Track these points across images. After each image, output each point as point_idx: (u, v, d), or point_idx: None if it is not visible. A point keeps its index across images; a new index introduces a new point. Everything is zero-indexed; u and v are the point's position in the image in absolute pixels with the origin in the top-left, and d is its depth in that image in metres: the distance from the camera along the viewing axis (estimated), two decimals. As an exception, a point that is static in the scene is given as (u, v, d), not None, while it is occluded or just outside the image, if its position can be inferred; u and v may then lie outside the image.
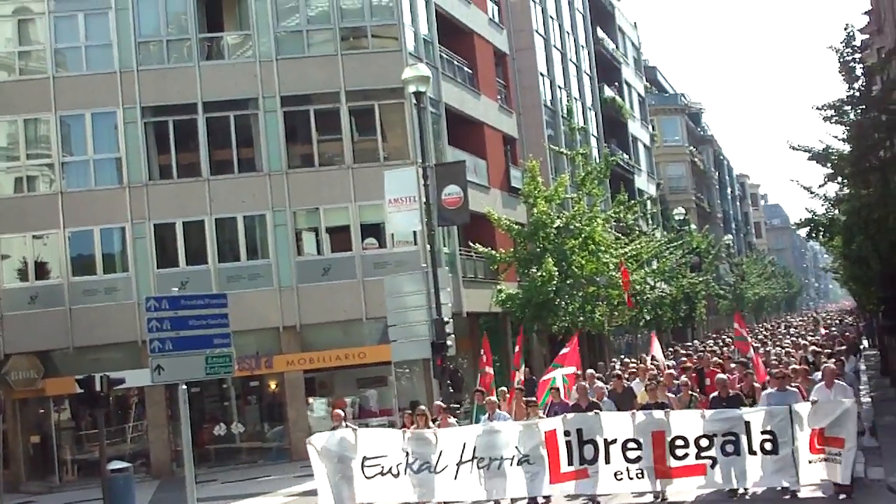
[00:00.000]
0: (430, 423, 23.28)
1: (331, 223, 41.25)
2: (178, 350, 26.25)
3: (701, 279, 71.42)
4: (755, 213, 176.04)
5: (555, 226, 43.56)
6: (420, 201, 31.36)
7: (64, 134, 40.99)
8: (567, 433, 21.63)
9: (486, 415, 23.75)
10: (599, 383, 26.73)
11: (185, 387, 26.96)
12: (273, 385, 41.24)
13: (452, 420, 24.21)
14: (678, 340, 67.42)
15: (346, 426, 23.61)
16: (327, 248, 41.09)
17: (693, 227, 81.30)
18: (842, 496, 20.05)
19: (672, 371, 27.24)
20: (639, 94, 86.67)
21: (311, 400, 40.49)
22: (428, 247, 30.95)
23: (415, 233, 38.43)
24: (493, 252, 44.07)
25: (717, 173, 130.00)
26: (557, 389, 25.86)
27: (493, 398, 24.62)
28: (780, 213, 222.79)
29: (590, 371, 28.63)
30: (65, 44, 41.36)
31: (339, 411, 24.67)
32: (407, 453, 22.55)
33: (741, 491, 21.17)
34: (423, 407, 24.52)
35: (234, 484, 33.93)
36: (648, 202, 69.72)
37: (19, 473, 40.08)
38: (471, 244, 43.94)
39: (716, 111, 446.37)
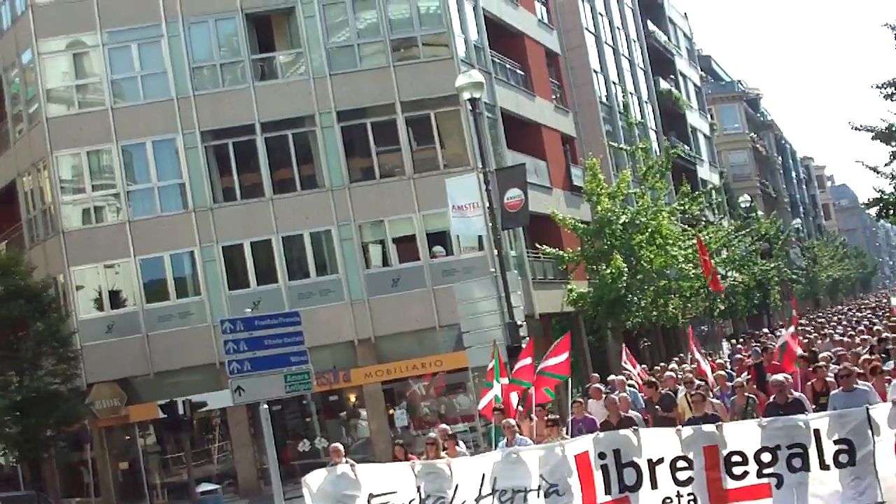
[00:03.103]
0: (441, 454, 20.21)
1: (396, 234, 41.42)
2: (257, 370, 26.57)
3: (772, 265, 70.84)
4: (822, 196, 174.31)
5: (620, 222, 43.51)
6: (483, 206, 31.37)
7: (127, 163, 41.51)
8: (602, 455, 18.08)
9: (505, 439, 20.44)
10: (625, 392, 23.74)
11: (266, 406, 27.26)
12: (352, 398, 41.49)
13: (461, 448, 21.24)
14: (754, 328, 66.92)
15: (346, 462, 20.59)
16: (395, 259, 41.24)
17: (760, 213, 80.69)
18: None
19: (723, 372, 24.80)
20: (694, 84, 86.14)
21: (392, 411, 40.68)
22: (495, 251, 30.99)
23: (480, 238, 38.47)
24: (561, 252, 44.03)
25: (780, 158, 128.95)
26: (580, 402, 22.52)
27: (512, 421, 20.89)
28: (847, 193, 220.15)
29: (619, 378, 26.66)
30: (120, 74, 41.85)
31: (339, 446, 21.81)
32: (419, 488, 19.31)
33: None
34: (433, 435, 21.26)
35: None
36: (713, 192, 69.31)
37: (111, 500, 40.61)
38: (538, 245, 43.94)
39: (774, 96, 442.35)
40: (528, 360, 24.93)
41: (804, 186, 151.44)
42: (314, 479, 20.22)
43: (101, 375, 39.83)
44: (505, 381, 24.35)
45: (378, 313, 40.16)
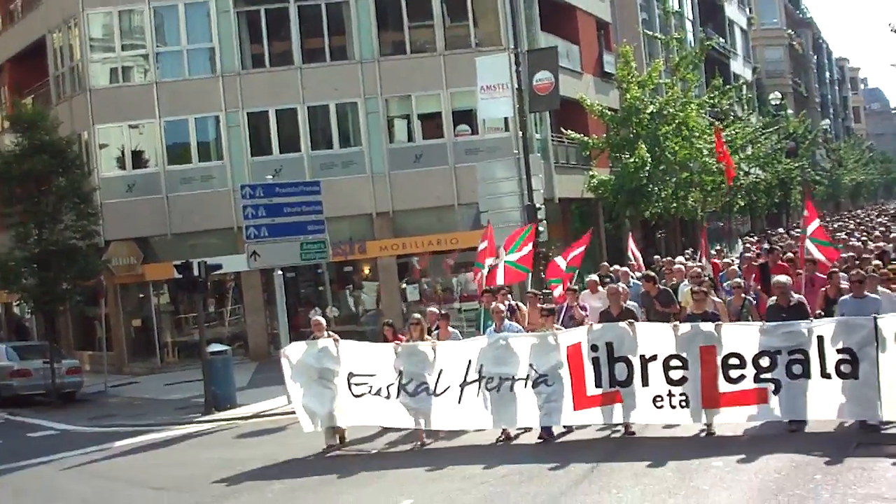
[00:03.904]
0: (427, 335, 19.79)
1: (422, 110, 41.33)
2: (274, 236, 26.88)
3: (797, 165, 70.39)
4: (854, 98, 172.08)
5: (648, 111, 43.23)
6: (512, 87, 31.21)
7: (157, 24, 41.26)
8: (594, 348, 17.72)
9: (493, 325, 19.63)
10: (625, 284, 22.41)
11: (280, 272, 27.53)
12: (366, 270, 41.76)
13: (454, 330, 20.35)
14: (773, 227, 66.80)
15: (328, 335, 20.15)
16: (419, 135, 41.22)
17: (789, 111, 79.92)
18: None
19: (735, 268, 24.01)
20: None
21: (404, 284, 40.98)
22: (520, 133, 30.94)
23: (506, 119, 38.33)
24: (586, 138, 43.85)
25: (815, 57, 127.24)
26: (574, 290, 21.77)
27: (501, 306, 20.06)
28: (880, 97, 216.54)
29: (623, 269, 25.32)
30: (154, -65, 41.40)
31: (320, 319, 20.96)
32: (401, 371, 19.07)
33: (803, 422, 16.82)
34: (417, 315, 20.45)
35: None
36: (744, 87, 68.62)
37: (122, 355, 41.36)
38: (563, 130, 43.75)
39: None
40: (529, 248, 24.55)
41: (837, 87, 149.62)
42: (294, 351, 20.13)
43: (119, 233, 40.23)
44: (491, 261, 24.09)
45: (398, 188, 40.22)
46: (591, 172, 45.19)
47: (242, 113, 40.53)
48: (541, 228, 28.73)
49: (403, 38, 41.44)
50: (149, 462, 22.19)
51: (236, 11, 40.78)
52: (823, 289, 19.55)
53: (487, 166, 31.06)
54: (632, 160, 41.81)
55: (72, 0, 41.41)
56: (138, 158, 41.51)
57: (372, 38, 40.86)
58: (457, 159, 40.08)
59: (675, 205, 44.94)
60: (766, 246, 33.24)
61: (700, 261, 28.08)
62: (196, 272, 28.80)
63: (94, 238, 36.93)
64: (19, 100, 42.32)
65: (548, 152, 42.77)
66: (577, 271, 24.77)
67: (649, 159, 41.64)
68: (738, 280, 20.90)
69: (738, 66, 78.25)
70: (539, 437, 18.36)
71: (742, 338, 16.96)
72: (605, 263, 30.00)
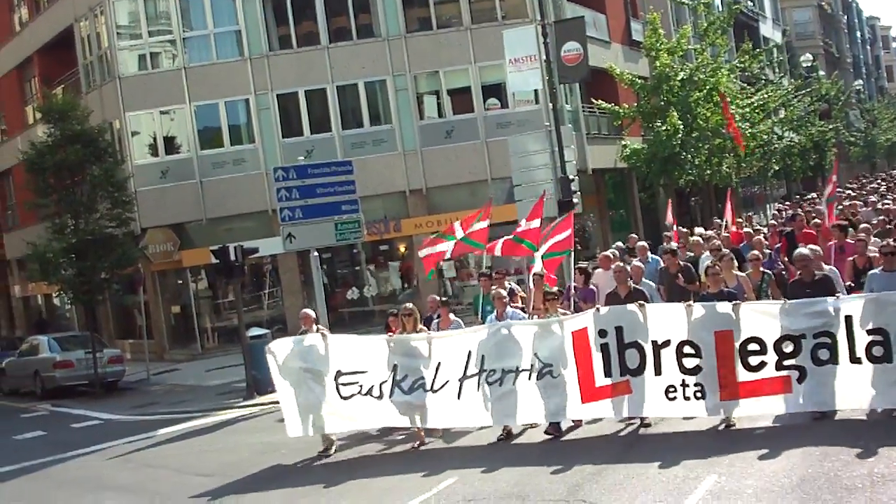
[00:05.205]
0: (421, 326, 18.45)
1: (451, 85, 41.21)
2: (308, 218, 26.97)
3: (830, 127, 69.78)
4: (886, 56, 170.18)
5: (678, 78, 42.92)
6: (540, 59, 31.04)
7: (183, 9, 41.27)
8: (602, 333, 16.23)
9: (494, 311, 18.38)
10: (639, 260, 20.97)
11: (316, 253, 27.60)
12: (402, 248, 41.73)
13: (455, 318, 19.16)
14: (808, 190, 66.29)
15: (318, 330, 18.69)
16: (449, 111, 41.14)
17: (821, 73, 79.18)
18: None
19: (761, 238, 22.34)
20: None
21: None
22: (550, 105, 30.82)
23: (536, 91, 38.14)
24: (617, 107, 43.60)
25: (845, 17, 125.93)
26: (583, 268, 20.57)
27: (503, 291, 18.67)
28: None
29: (642, 244, 23.39)
30: (178, -80, 41.34)
31: (309, 312, 19.39)
32: (395, 367, 17.63)
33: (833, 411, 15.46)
34: (410, 306, 18.73)
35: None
36: (774, 50, 68.00)
37: (163, 343, 41.59)
38: (593, 100, 43.52)
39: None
40: (537, 223, 22.63)
41: (868, 47, 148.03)
42: (280, 349, 18.60)
43: (154, 220, 40.39)
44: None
45: (430, 164, 40.16)
46: (623, 142, 44.99)
47: (272, 95, 40.53)
48: (575, 200, 28.61)
49: (429, 13, 41.29)
50: (194, 449, 22.35)
51: (261, -7, 40.77)
52: (851, 258, 18.06)
53: (519, 140, 30.88)
54: (664, 128, 41.54)
55: (97, -13, 41.53)
56: (170, 144, 41.59)
57: (398, 15, 40.74)
58: (488, 133, 39.96)
59: (708, 171, 44.65)
60: (793, 212, 32.36)
61: (727, 229, 27.13)
62: (232, 256, 28.92)
63: (130, 226, 37.08)
64: (49, 90, 42.51)
65: (579, 123, 42.55)
66: (570, 253, 23.56)
67: (681, 126, 41.34)
68: (754, 252, 19.29)
69: (767, 29, 77.63)
70: (546, 433, 17.10)
71: (762, 320, 15.43)
72: (634, 236, 29.44)
